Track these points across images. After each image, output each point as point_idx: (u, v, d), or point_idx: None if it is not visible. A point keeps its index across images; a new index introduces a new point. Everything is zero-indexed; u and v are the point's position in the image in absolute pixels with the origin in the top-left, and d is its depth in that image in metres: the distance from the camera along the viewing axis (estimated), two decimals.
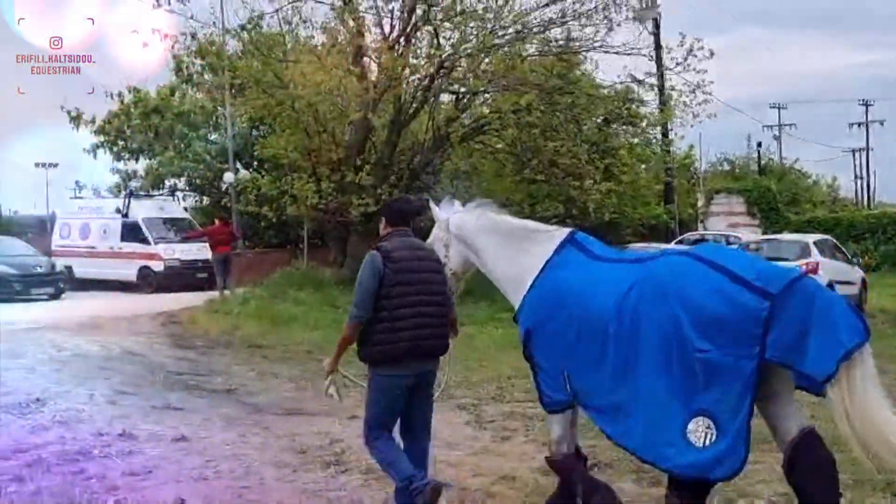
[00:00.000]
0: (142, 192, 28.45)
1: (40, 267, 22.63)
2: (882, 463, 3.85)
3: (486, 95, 18.08)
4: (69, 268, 25.30)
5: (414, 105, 17.79)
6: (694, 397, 3.91)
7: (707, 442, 3.86)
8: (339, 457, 6.12)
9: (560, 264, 4.67)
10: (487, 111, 17.30)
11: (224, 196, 29.85)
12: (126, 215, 25.79)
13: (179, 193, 31.08)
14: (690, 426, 3.91)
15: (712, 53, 17.70)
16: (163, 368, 10.21)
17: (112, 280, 25.23)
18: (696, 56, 17.56)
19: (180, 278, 23.87)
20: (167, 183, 31.35)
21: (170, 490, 5.21)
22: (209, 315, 15.51)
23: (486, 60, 17.29)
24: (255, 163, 30.82)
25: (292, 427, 7.18)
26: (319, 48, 16.88)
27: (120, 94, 33.04)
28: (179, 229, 26.39)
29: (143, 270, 24.66)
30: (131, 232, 25.44)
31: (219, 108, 32.24)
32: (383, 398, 4.71)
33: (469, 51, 16.27)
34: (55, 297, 22.06)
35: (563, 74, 18.51)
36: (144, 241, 25.04)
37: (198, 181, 31.32)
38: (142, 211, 25.95)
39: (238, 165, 30.94)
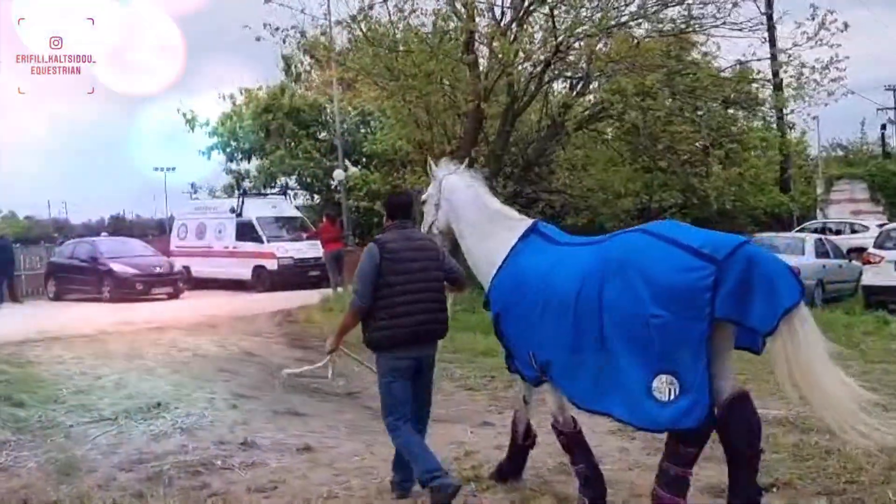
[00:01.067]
0: (254, 192, 28.74)
1: (160, 267, 23.07)
2: (816, 412, 4.21)
3: (604, 79, 17.16)
4: (187, 268, 25.81)
5: (527, 93, 17.08)
6: (653, 361, 4.18)
7: (672, 396, 4.12)
8: (476, 471, 5.55)
9: (523, 250, 5.04)
10: (607, 95, 16.33)
11: (334, 193, 30.01)
12: (240, 215, 26.05)
13: (291, 192, 31.30)
14: (654, 384, 4.17)
15: (846, 26, 16.26)
16: (282, 370, 9.86)
17: (227, 279, 25.56)
18: (828, 30, 16.16)
19: (294, 276, 23.95)
20: (279, 182, 31.64)
21: None
22: (325, 313, 15.25)
23: (604, 43, 16.42)
24: (364, 159, 30.81)
25: None
26: (431, 36, 16.35)
27: (231, 96, 33.79)
28: (292, 228, 26.52)
29: (258, 269, 24.82)
30: (245, 231, 25.67)
31: (327, 105, 32.54)
32: (394, 383, 5.07)
33: (588, 32, 15.41)
34: (174, 296, 22.47)
35: (679, 56, 17.49)
36: (258, 239, 25.21)
37: (308, 179, 31.50)
38: (255, 210, 26.14)
39: (347, 162, 31.03)
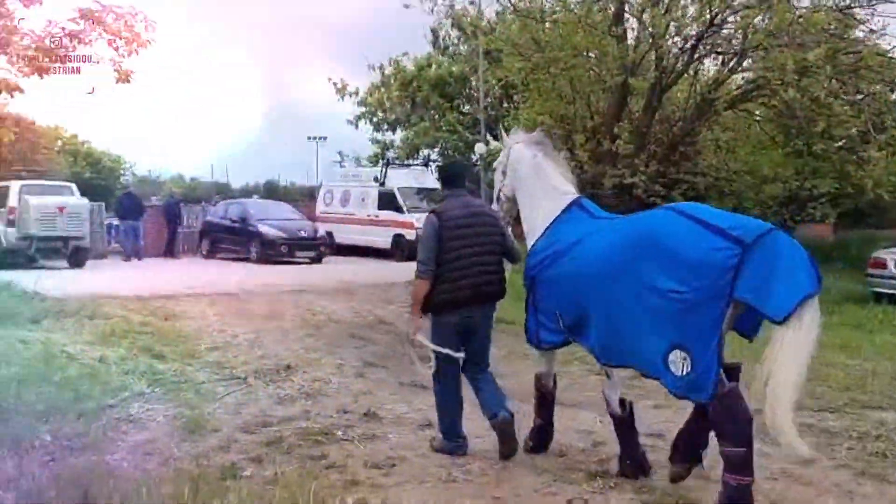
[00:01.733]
0: (398, 162, 29.06)
1: (304, 231, 23.67)
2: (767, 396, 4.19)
3: (760, 55, 16.12)
4: (330, 233, 26.46)
5: (676, 68, 16.31)
6: (672, 333, 4.37)
7: (684, 371, 4.35)
8: (604, 465, 5.24)
9: (563, 221, 5.32)
10: (763, 72, 15.32)
11: (474, 167, 29.94)
12: (383, 184, 26.38)
13: (433, 164, 31.48)
14: (671, 357, 4.39)
15: None
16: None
17: (367, 247, 25.99)
18: None
19: None
20: (421, 153, 31.89)
21: (413, 494, 4.63)
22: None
23: (763, 15, 15.42)
24: (506, 134, 30.57)
25: None
26: (579, 6, 15.85)
27: (381, 67, 34.26)
28: (432, 199, 26.64)
29: (397, 238, 25.11)
30: (387, 200, 25.99)
31: (472, 78, 32.43)
32: (448, 341, 5.40)
33: (746, 3, 14.51)
34: (316, 260, 23.03)
35: (843, 34, 16.17)
36: (399, 209, 25.48)
37: (450, 152, 31.57)
38: (397, 180, 26.43)
39: (489, 137, 30.90)
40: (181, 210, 25.63)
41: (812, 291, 4.13)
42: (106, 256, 24.99)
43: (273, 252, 22.62)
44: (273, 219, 23.95)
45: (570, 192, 5.53)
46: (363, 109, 34.59)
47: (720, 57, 17.06)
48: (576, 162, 16.38)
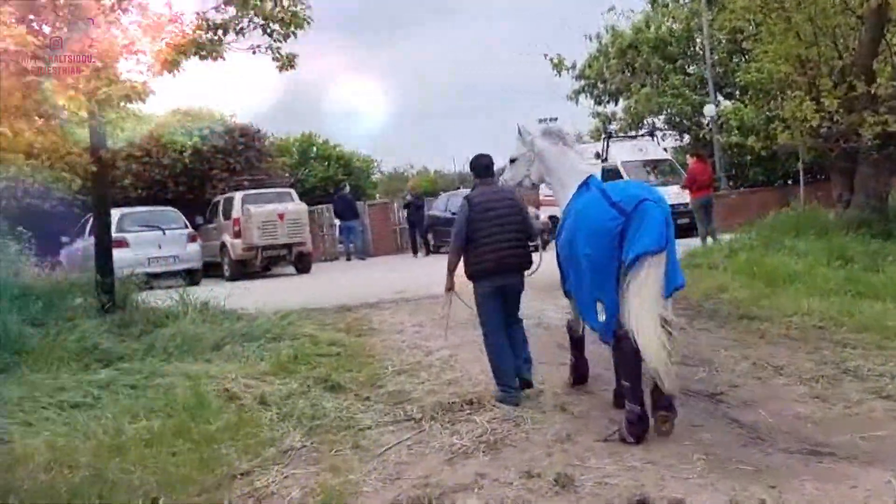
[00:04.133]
0: (620, 135, 26.93)
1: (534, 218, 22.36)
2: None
3: None
4: (555, 218, 25.03)
5: None
6: (592, 287, 5.59)
7: (603, 318, 5.52)
8: None
9: (574, 197, 6.15)
10: None
11: (704, 131, 27.27)
12: (605, 160, 24.51)
13: (658, 133, 29.05)
14: (598, 307, 5.55)
15: None
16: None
17: None
18: None
19: None
20: (645, 122, 29.55)
21: None
22: (690, 270, 13.09)
23: None
24: (738, 91, 27.59)
25: (839, 483, 4.57)
26: None
27: (598, 35, 32.24)
28: (661, 172, 24.46)
29: None
30: (611, 177, 24.03)
31: (696, 35, 29.59)
32: (485, 303, 6.67)
33: None
34: (536, 250, 21.69)
35: None
36: None
37: (676, 118, 28.99)
38: (621, 154, 24.42)
39: (719, 97, 28.02)
40: (421, 209, 24.77)
41: (649, 250, 5.23)
42: (337, 258, 25.28)
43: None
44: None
45: (586, 172, 6.32)
46: (582, 83, 32.76)
47: None
48: (823, 113, 13.75)
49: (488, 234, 6.51)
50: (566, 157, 6.46)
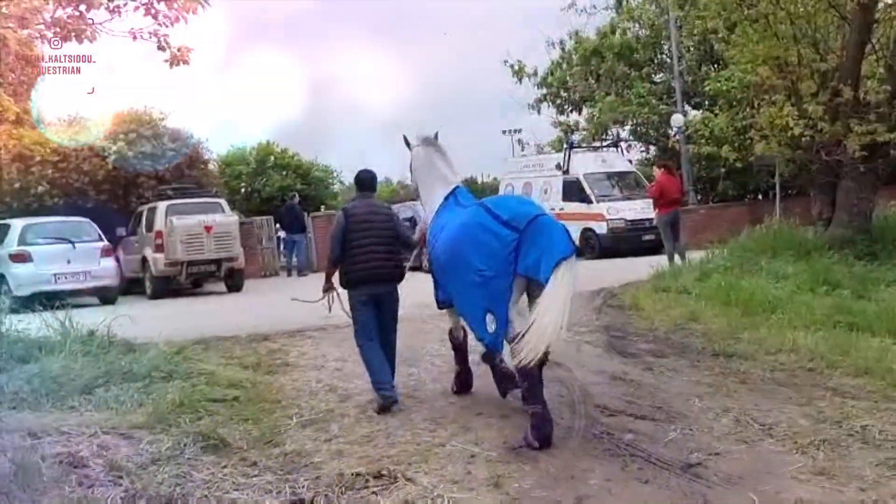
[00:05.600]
0: (583, 145, 25.64)
1: None
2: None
3: None
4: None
5: None
6: (483, 302, 5.83)
7: (493, 329, 5.79)
8: None
9: (442, 207, 6.79)
10: None
11: (671, 141, 26.11)
12: (567, 172, 23.24)
13: (623, 144, 27.82)
14: (487, 318, 5.82)
15: None
16: (587, 398, 6.78)
17: None
18: None
19: (626, 241, 20.92)
20: (609, 133, 28.32)
21: None
22: (657, 295, 11.82)
23: None
24: (707, 101, 26.49)
25: None
26: None
27: (561, 42, 30.99)
28: (625, 185, 23.24)
29: (586, 233, 21.92)
30: (573, 190, 22.85)
31: (663, 43, 28.49)
32: (359, 310, 7.01)
33: None
34: None
35: None
36: (586, 199, 22.27)
37: (642, 128, 27.80)
38: (583, 166, 23.16)
39: (687, 106, 26.88)
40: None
41: (561, 256, 5.47)
42: (278, 273, 23.74)
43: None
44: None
45: (453, 183, 6.93)
46: (544, 91, 31.50)
47: None
48: (805, 119, 12.47)
49: (360, 244, 6.89)
50: (434, 165, 7.07)
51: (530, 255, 5.51)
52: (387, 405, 6.71)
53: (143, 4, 7.68)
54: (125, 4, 7.67)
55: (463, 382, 7.17)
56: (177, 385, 7.50)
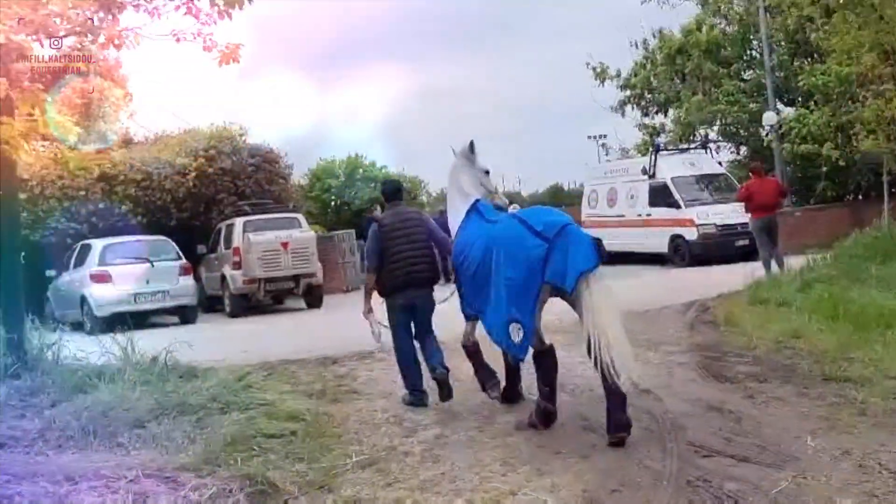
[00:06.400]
0: (669, 148, 24.51)
1: None
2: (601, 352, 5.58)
3: None
4: (598, 240, 22.87)
5: None
6: (509, 308, 6.06)
7: (518, 338, 6.04)
8: None
9: (465, 225, 7.01)
10: None
11: (767, 139, 24.77)
12: (653, 176, 22.24)
13: (712, 145, 26.51)
14: (511, 328, 6.06)
15: None
16: (679, 433, 6.01)
17: (644, 252, 22.11)
18: None
19: (717, 248, 19.80)
20: (697, 134, 27.06)
21: None
22: (753, 308, 10.86)
23: None
24: (801, 97, 25.05)
25: None
26: None
27: (645, 42, 29.91)
28: (715, 188, 22.09)
29: (675, 239, 20.90)
30: (660, 195, 21.82)
31: (752, 38, 27.13)
32: (396, 316, 7.33)
33: None
34: None
35: None
36: (674, 204, 21.22)
37: (732, 128, 26.45)
38: (670, 170, 22.11)
39: (779, 104, 25.45)
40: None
41: (586, 268, 5.71)
42: (360, 288, 23.34)
43: None
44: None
45: (471, 196, 7.10)
46: (628, 93, 30.44)
47: None
48: None
49: (396, 252, 7.16)
50: (457, 178, 7.24)
51: (556, 263, 5.76)
52: (417, 404, 7.30)
53: (184, 3, 7.26)
54: (164, 5, 7.27)
55: (509, 394, 7.20)
56: (233, 418, 7.04)
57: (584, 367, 7.27)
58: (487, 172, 7.26)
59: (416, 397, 7.31)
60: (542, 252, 5.79)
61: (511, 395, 7.15)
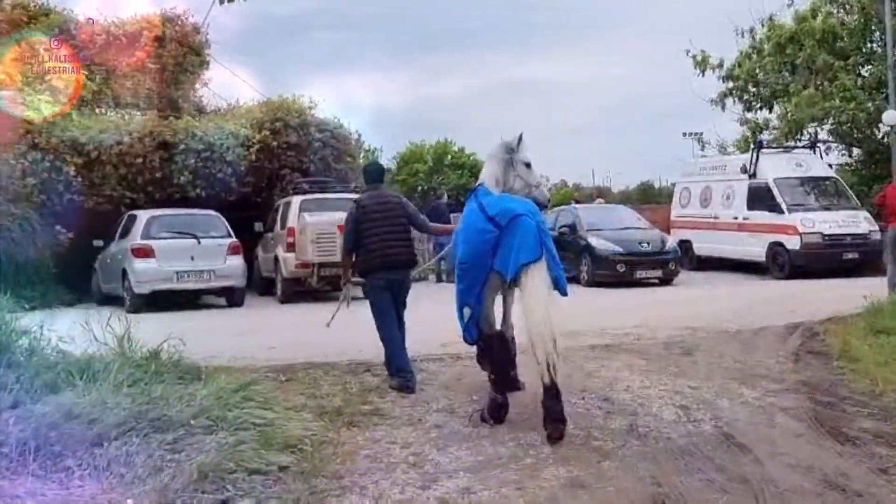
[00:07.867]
0: (773, 146, 22.30)
1: (646, 244, 18.47)
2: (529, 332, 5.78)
3: None
4: (685, 242, 21.09)
5: None
6: (463, 293, 6.24)
7: (467, 320, 6.26)
8: None
9: (465, 212, 6.66)
10: None
11: (878, 144, 22.37)
12: (753, 175, 20.21)
13: (821, 145, 24.10)
14: (465, 311, 6.26)
15: None
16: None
17: (737, 259, 20.21)
18: None
19: (821, 259, 17.79)
20: (806, 132, 24.66)
21: None
22: (875, 339, 9.00)
23: None
24: None
25: None
26: None
27: (752, 30, 27.55)
28: (823, 193, 19.93)
29: (774, 247, 18.87)
30: (760, 197, 19.81)
31: (874, 28, 24.55)
32: (376, 296, 7.51)
33: None
34: (664, 281, 17.95)
35: None
36: (776, 208, 19.17)
37: (845, 127, 23.97)
38: (774, 170, 20.05)
39: None
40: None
41: (527, 261, 5.78)
42: (427, 277, 21.98)
43: (607, 272, 17.84)
44: (609, 228, 19.04)
45: (496, 188, 6.60)
46: (730, 84, 28.10)
47: None
48: None
49: (373, 233, 7.36)
50: (490, 166, 6.78)
51: (503, 251, 5.89)
52: (405, 389, 7.28)
53: None
54: None
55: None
56: (217, 440, 5.70)
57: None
58: (528, 165, 6.72)
59: (404, 378, 7.35)
60: (492, 238, 5.95)
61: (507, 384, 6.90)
